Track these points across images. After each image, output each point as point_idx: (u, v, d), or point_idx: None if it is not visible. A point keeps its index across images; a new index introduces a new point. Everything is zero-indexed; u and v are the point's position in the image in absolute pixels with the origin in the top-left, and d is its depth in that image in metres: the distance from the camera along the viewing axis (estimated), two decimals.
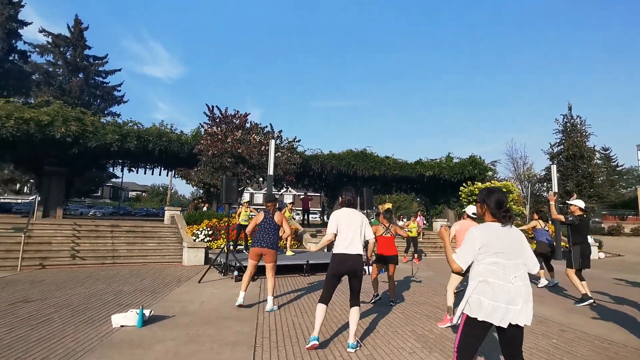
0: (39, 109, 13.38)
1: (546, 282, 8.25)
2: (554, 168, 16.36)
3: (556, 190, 15.89)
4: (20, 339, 4.04)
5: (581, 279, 6.49)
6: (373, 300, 6.39)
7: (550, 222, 9.30)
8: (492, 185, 18.69)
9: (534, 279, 8.17)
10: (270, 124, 16.59)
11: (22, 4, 30.06)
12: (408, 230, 12.45)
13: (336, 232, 4.10)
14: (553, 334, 4.69)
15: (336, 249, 4.06)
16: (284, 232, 5.98)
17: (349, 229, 4.08)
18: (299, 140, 17.13)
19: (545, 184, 33.27)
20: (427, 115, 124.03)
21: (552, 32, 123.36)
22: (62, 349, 3.78)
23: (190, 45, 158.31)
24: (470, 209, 5.68)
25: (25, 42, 30.94)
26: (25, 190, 39.24)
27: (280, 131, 16.59)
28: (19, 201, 34.27)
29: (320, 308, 3.99)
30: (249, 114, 16.41)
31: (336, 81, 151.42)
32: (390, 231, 6.43)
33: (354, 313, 3.99)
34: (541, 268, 8.40)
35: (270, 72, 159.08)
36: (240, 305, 5.61)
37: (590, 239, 8.43)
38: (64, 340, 4.05)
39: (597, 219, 35.70)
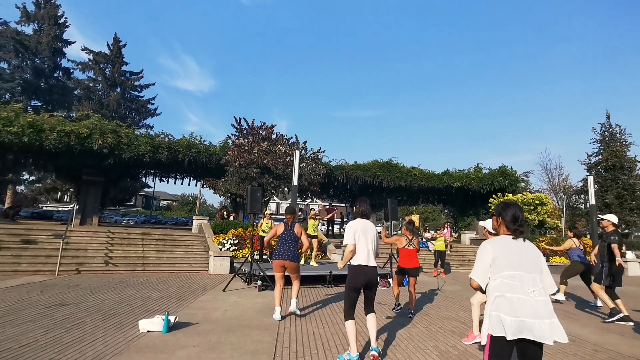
0: (79, 122, 14.21)
1: (563, 298, 7.89)
2: (590, 179, 15.59)
3: (593, 203, 15.15)
4: (55, 341, 4.25)
5: (615, 297, 6.19)
6: (396, 310, 6.37)
7: (587, 237, 8.90)
8: (524, 196, 18.05)
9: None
10: (296, 135, 16.88)
11: (67, 24, 32.22)
12: (433, 242, 12.17)
13: (355, 243, 4.08)
14: (585, 354, 4.44)
15: (354, 261, 4.06)
16: (303, 244, 6.03)
17: (366, 241, 4.08)
18: (323, 151, 17.25)
19: (582, 196, 31.74)
20: (455, 124, 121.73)
21: (587, 35, 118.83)
22: (91, 351, 3.95)
23: (220, 59, 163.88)
24: (491, 224, 5.28)
25: (68, 60, 33.07)
26: (65, 199, 41.44)
27: (305, 142, 16.79)
28: (60, 209, 36.28)
29: (350, 324, 3.95)
30: (275, 125, 16.74)
31: (362, 91, 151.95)
32: (414, 243, 6.37)
33: (371, 319, 4.05)
34: (564, 283, 8.02)
35: (297, 83, 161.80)
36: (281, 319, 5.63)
37: (630, 254, 8.01)
38: (94, 343, 4.23)
39: (639, 234, 33.59)
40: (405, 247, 6.31)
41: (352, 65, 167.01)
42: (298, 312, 5.85)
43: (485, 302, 4.51)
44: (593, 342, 4.94)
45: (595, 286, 6.25)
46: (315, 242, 11.50)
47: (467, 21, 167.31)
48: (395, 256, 11.68)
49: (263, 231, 11.70)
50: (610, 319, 6.06)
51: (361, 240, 4.08)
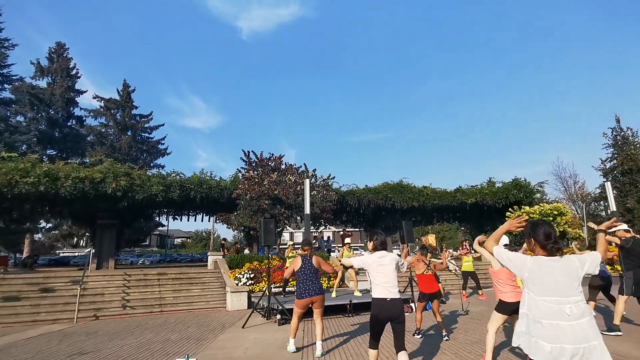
0: (93, 168, 14.54)
1: (594, 313, 7.50)
2: (608, 185, 15.22)
3: (614, 209, 14.72)
4: None
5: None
6: (415, 335, 6.31)
7: (612, 245, 8.56)
8: (542, 207, 17.63)
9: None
10: (305, 163, 16.96)
11: (79, 75, 33.72)
12: (453, 262, 11.84)
13: (354, 266, 4.21)
14: None
15: (375, 294, 3.92)
16: (330, 272, 5.92)
17: (383, 274, 3.92)
18: (333, 177, 17.28)
19: (602, 202, 30.92)
20: (464, 141, 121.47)
21: (591, 38, 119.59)
22: None
23: (225, 95, 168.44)
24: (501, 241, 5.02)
25: (81, 108, 34.34)
26: (81, 244, 41.85)
27: (315, 170, 16.85)
28: (76, 254, 36.57)
29: (372, 353, 3.90)
30: (284, 155, 16.89)
31: (368, 114, 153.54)
32: (431, 268, 6.33)
33: (402, 357, 3.79)
34: (592, 300, 7.66)
35: (303, 112, 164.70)
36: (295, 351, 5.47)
37: None
38: None
39: None
40: (423, 272, 6.30)
41: (355, 89, 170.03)
42: (325, 353, 5.50)
43: (501, 325, 4.35)
44: (636, 357, 4.65)
45: (619, 297, 6.03)
46: (340, 271, 11.31)
47: (470, 34, 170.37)
48: (415, 280, 11.41)
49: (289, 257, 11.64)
50: (611, 333, 5.94)
51: (380, 272, 3.93)
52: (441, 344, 5.84)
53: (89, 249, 12.60)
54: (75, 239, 39.90)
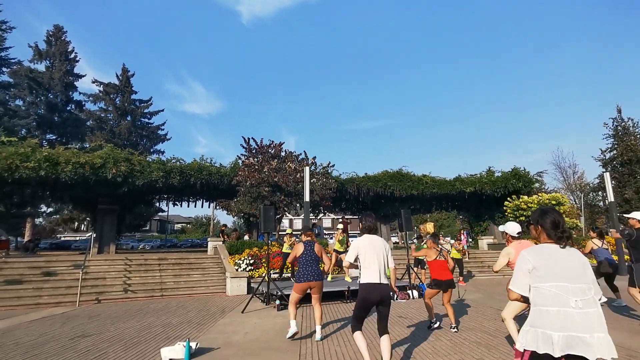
0: (93, 153, 14.56)
1: (605, 300, 7.58)
2: (607, 176, 15.24)
3: (612, 200, 14.78)
4: None
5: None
6: (432, 328, 6.06)
7: (609, 235, 8.67)
8: (540, 197, 17.72)
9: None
10: (305, 151, 16.99)
11: (77, 59, 33.42)
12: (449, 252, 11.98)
13: (353, 262, 4.09)
14: None
15: (363, 279, 3.96)
16: (325, 264, 5.95)
17: (373, 258, 3.95)
18: (333, 165, 17.30)
19: (600, 193, 31.02)
20: (464, 129, 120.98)
21: (591, 29, 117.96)
22: None
23: (226, 81, 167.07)
24: (512, 228, 4.76)
25: (80, 93, 34.16)
26: (82, 228, 42.13)
27: (314, 157, 16.87)
28: (77, 238, 36.89)
29: (359, 335, 3.94)
30: (283, 143, 16.89)
31: (368, 102, 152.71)
32: (443, 254, 6.15)
33: (385, 341, 3.85)
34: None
35: (303, 99, 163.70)
36: (293, 335, 5.54)
37: None
38: None
39: None
40: (436, 259, 6.07)
41: (356, 76, 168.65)
42: (323, 337, 5.65)
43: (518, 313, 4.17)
44: (627, 347, 4.76)
45: (631, 290, 5.99)
46: (334, 256, 11.52)
47: (470, 22, 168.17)
48: (413, 267, 11.55)
49: (288, 248, 11.79)
50: None
51: (368, 257, 3.97)
52: (437, 332, 5.96)
53: (90, 234, 12.71)
54: (76, 224, 40.14)
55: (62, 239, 41.33)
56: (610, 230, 7.32)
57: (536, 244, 2.49)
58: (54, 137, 29.69)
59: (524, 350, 2.20)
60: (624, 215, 6.52)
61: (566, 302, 2.10)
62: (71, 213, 34.07)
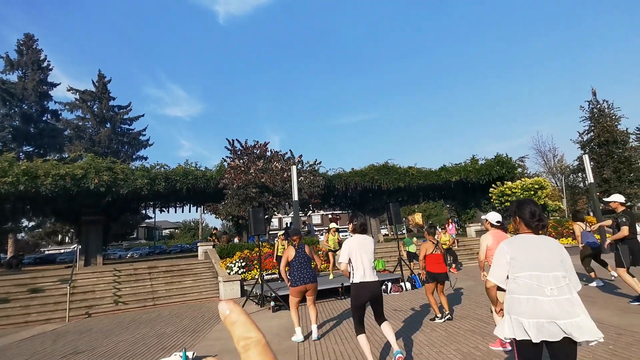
0: (73, 164, 14.20)
1: (601, 283, 7.83)
2: (586, 158, 15.69)
3: (592, 181, 15.21)
4: None
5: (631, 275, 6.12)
6: (437, 321, 6.08)
7: (590, 215, 8.94)
8: (523, 182, 18.09)
9: (585, 279, 7.78)
10: (290, 150, 16.94)
11: (50, 67, 32.40)
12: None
13: (348, 262, 4.16)
14: (609, 339, 4.41)
15: (356, 279, 4.08)
16: (317, 264, 5.99)
17: (364, 257, 4.09)
18: (319, 162, 17.28)
19: (580, 174, 31.85)
20: (446, 119, 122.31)
21: (563, 14, 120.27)
22: None
23: (206, 82, 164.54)
24: (493, 217, 4.80)
25: (55, 102, 33.12)
26: (66, 240, 41.19)
27: (301, 156, 16.83)
28: (62, 251, 36.00)
29: (362, 338, 4.08)
30: (269, 142, 16.78)
31: (351, 96, 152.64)
32: (439, 248, 6.22)
33: (386, 327, 4.12)
34: (591, 270, 8.02)
35: (285, 96, 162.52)
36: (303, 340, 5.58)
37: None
38: None
39: None
40: (433, 252, 6.13)
41: (337, 71, 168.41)
42: (316, 338, 5.66)
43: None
44: (615, 325, 4.92)
45: (619, 270, 6.17)
46: (331, 255, 11.76)
47: (449, 13, 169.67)
48: (404, 259, 11.68)
49: (281, 252, 11.80)
50: (637, 303, 5.96)
51: (358, 257, 4.10)
52: (431, 322, 6.05)
53: (75, 246, 12.43)
54: (60, 236, 39.21)
55: (47, 252, 40.22)
56: (600, 224, 7.70)
57: (509, 233, 2.58)
58: (31, 149, 28.82)
59: (509, 339, 2.30)
60: (604, 199, 6.70)
61: (541, 291, 2.19)
62: (54, 226, 33.22)
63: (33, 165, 13.43)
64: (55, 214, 18.16)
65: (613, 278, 7.80)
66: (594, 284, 7.83)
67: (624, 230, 5.94)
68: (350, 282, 4.17)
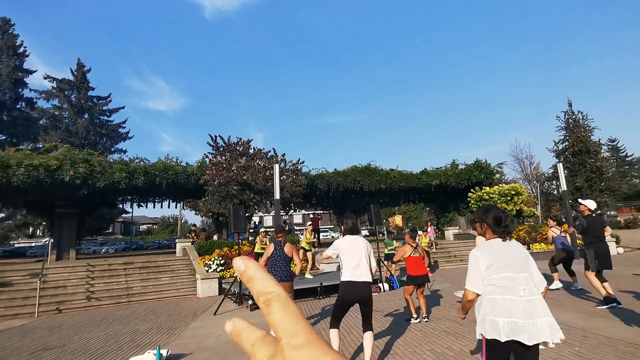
0: (48, 154, 13.73)
1: (560, 285, 8.14)
2: (560, 166, 16.26)
3: (565, 189, 15.74)
4: None
5: (602, 280, 6.35)
6: (411, 322, 6.15)
7: (563, 222, 9.28)
8: (500, 188, 18.57)
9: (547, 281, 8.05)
10: (274, 148, 16.81)
11: (27, 54, 31.21)
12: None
13: (331, 256, 4.18)
14: (575, 340, 4.59)
15: (344, 277, 4.05)
16: (297, 265, 5.84)
17: (355, 257, 4.03)
18: (302, 162, 17.27)
19: (554, 182, 32.91)
20: (428, 124, 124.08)
21: (544, 27, 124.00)
22: None
23: (189, 77, 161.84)
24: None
25: (31, 90, 31.91)
26: (38, 234, 39.77)
27: (284, 154, 16.76)
28: (33, 244, 34.74)
29: (334, 333, 4.00)
30: (252, 140, 16.65)
31: (335, 97, 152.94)
32: (419, 250, 6.26)
33: (368, 338, 4.00)
34: (554, 271, 8.31)
35: (269, 94, 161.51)
36: None
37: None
38: None
39: (612, 213, 35.04)
40: (411, 255, 6.15)
41: (323, 71, 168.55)
42: None
43: None
44: (581, 328, 5.12)
45: (587, 274, 6.40)
46: (310, 254, 11.74)
47: (433, 16, 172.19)
48: (383, 260, 11.80)
49: (261, 249, 11.73)
50: (604, 306, 6.17)
51: (348, 257, 4.04)
52: (409, 324, 6.14)
53: (47, 240, 12.03)
54: (31, 229, 37.86)
55: (16, 245, 38.76)
56: (568, 230, 8.09)
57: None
58: (4, 138, 27.71)
59: (482, 337, 2.37)
60: (578, 200, 6.95)
61: (515, 291, 2.29)
62: (25, 218, 32.07)
63: (5, 154, 12.93)
64: (27, 205, 17.50)
65: (578, 289, 8.06)
66: (554, 286, 8.09)
67: (569, 230, 6.92)
68: (340, 280, 4.11)
